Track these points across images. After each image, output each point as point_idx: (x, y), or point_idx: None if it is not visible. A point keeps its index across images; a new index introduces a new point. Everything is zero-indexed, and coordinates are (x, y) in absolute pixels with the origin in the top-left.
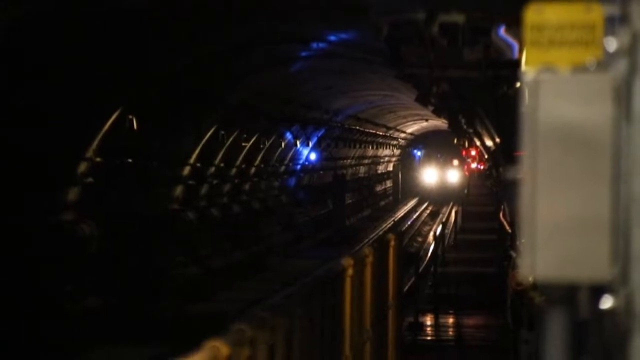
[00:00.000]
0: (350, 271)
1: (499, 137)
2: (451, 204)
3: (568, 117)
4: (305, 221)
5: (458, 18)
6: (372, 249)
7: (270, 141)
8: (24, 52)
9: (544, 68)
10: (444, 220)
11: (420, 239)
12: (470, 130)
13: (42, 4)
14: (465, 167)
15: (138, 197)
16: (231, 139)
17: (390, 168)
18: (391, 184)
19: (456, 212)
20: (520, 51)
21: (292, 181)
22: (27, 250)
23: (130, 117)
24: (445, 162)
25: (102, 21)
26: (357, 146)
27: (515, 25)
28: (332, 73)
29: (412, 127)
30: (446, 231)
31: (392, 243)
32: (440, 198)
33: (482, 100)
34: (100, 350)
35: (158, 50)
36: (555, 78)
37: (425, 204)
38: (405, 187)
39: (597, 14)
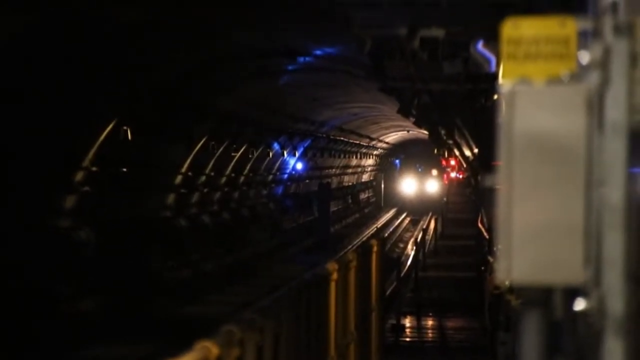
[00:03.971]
0: (335, 275)
1: (477, 147)
2: (430, 214)
3: (543, 127)
4: (292, 228)
5: (438, 33)
6: (356, 254)
7: (259, 151)
8: (22, 63)
9: (520, 80)
10: (424, 227)
11: (402, 245)
12: (450, 141)
13: (39, 17)
14: (445, 176)
15: (132, 204)
16: (221, 149)
17: (373, 177)
18: (374, 193)
19: (436, 220)
20: (498, 64)
21: (280, 189)
22: (26, 254)
23: (125, 128)
24: (424, 172)
25: (96, 35)
26: (342, 156)
27: (492, 39)
28: (318, 86)
29: (394, 138)
30: (427, 237)
31: (375, 248)
32: (419, 209)
33: (461, 112)
34: (95, 350)
35: (149, 63)
36: (531, 90)
37: (406, 212)
38: (387, 195)
39: (571, 28)
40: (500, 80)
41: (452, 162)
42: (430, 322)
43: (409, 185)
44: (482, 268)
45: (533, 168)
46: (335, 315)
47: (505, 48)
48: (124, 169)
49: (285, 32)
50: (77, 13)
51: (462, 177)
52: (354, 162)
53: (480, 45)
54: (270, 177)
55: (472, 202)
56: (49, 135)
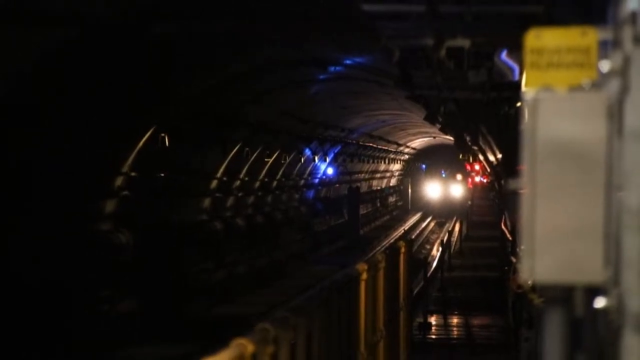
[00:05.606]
0: (364, 276)
1: (501, 152)
2: (455, 217)
3: (565, 133)
4: (323, 230)
5: (463, 43)
6: (385, 255)
7: (291, 157)
8: (64, 77)
9: (542, 88)
10: (450, 229)
11: (428, 246)
12: (475, 147)
13: (80, 32)
14: (470, 180)
15: (169, 208)
16: (255, 154)
17: (400, 181)
18: (402, 196)
19: (461, 222)
20: (521, 73)
21: (311, 193)
22: (70, 257)
23: (162, 135)
24: (449, 176)
25: (134, 47)
26: (371, 161)
27: (516, 49)
28: (348, 94)
29: (420, 143)
30: (452, 239)
31: (403, 250)
32: (444, 212)
33: (486, 119)
34: (134, 349)
35: (185, 73)
36: (553, 97)
37: (432, 215)
38: (414, 199)
39: (591, 38)
40: (524, 88)
41: (477, 167)
42: (456, 320)
43: (434, 189)
44: (506, 268)
45: (555, 172)
46: (365, 314)
47: (528, 57)
48: (162, 174)
49: (317, 43)
50: (115, 27)
51: (487, 181)
52: (382, 167)
53: (504, 55)
54: (302, 181)
55: (496, 205)
56: (91, 142)
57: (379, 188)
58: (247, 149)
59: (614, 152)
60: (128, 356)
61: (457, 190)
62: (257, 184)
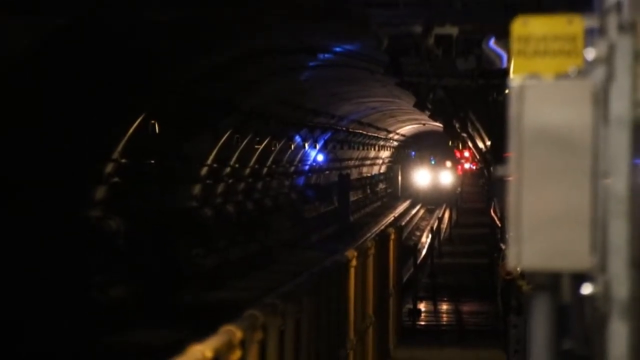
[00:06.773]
0: (354, 262)
1: (489, 139)
2: (445, 204)
3: (551, 120)
4: (313, 217)
5: (452, 31)
6: (374, 242)
7: (281, 144)
8: (53, 67)
9: (529, 76)
10: (440, 215)
11: (418, 233)
12: (464, 134)
13: (73, 19)
14: (459, 167)
15: (160, 195)
16: (245, 141)
17: (390, 168)
18: (392, 183)
19: (451, 209)
20: (509, 61)
21: (301, 180)
22: (61, 244)
23: (153, 121)
24: (439, 163)
25: (127, 35)
26: (361, 148)
27: (504, 37)
28: (338, 81)
29: (410, 130)
30: (442, 226)
31: (393, 236)
32: (433, 200)
33: (475, 106)
34: (126, 335)
35: (176, 60)
36: (540, 84)
37: (422, 203)
38: (404, 186)
39: (577, 26)
40: (511, 76)
41: (466, 154)
42: (445, 307)
43: (424, 176)
44: (495, 255)
45: (542, 159)
46: (354, 300)
47: (515, 45)
48: (152, 161)
49: (307, 30)
50: (107, 15)
51: (476, 168)
52: (372, 154)
53: (492, 43)
54: (292, 168)
55: (485, 192)
56: (81, 130)
57: (368, 175)
58: (237, 135)
59: (600, 139)
60: (119, 342)
61: (446, 177)
62: (247, 170)
